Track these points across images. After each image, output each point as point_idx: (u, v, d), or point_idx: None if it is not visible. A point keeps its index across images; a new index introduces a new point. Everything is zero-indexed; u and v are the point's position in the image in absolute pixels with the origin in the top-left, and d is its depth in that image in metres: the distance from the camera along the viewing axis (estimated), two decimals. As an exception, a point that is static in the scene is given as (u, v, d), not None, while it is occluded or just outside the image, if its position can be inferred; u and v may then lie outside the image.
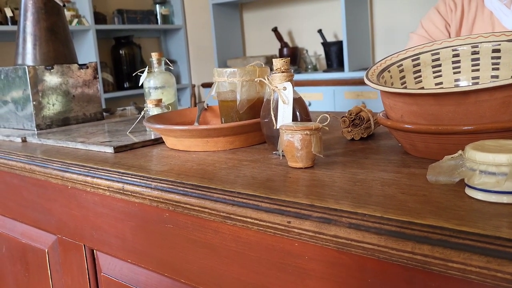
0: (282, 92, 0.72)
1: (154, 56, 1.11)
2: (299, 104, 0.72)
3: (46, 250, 0.92)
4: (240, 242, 0.58)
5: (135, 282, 0.75)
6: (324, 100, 2.79)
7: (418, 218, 0.43)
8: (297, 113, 0.72)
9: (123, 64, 3.51)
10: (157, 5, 3.77)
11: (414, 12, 2.80)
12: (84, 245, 0.82)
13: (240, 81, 0.84)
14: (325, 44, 3.00)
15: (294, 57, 3.20)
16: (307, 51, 3.22)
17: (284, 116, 0.71)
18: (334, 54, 2.95)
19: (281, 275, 0.54)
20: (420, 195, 0.50)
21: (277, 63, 0.72)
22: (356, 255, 0.47)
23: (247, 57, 3.41)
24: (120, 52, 3.53)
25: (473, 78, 0.79)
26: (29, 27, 1.21)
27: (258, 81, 0.82)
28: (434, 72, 0.80)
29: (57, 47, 1.23)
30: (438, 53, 0.80)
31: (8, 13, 2.86)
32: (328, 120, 0.65)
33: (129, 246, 0.73)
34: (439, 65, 0.80)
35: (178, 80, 3.91)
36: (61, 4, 1.18)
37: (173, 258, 0.67)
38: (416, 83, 0.80)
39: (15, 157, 0.91)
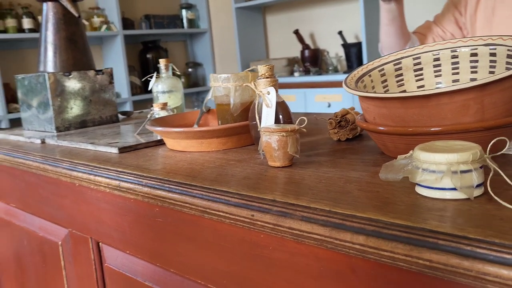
0: (266, 96, 0.77)
1: (162, 62, 1.18)
2: (282, 108, 0.77)
3: (60, 242, 1.00)
4: (216, 234, 0.63)
5: (134, 272, 0.82)
6: (344, 101, 2.82)
7: (360, 211, 0.48)
8: (280, 116, 0.77)
9: (150, 68, 3.63)
10: (183, 10, 3.87)
11: (432, 12, 2.79)
12: (90, 238, 0.90)
13: (233, 86, 0.89)
14: (345, 46, 3.02)
15: (316, 59, 3.24)
16: (328, 52, 3.25)
17: (267, 118, 0.76)
18: (354, 55, 2.97)
19: (251, 264, 0.59)
20: (373, 192, 0.54)
21: (262, 69, 0.78)
22: (309, 245, 0.52)
23: (270, 59, 3.46)
24: (147, 56, 3.65)
25: (453, 81, 0.82)
26: (50, 37, 1.30)
27: (250, 86, 0.88)
28: (416, 76, 0.84)
29: (76, 54, 1.32)
30: (419, 57, 0.83)
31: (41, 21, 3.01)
32: (305, 123, 0.70)
33: (128, 238, 0.80)
34: (421, 69, 0.83)
35: (203, 82, 4.00)
36: (77, 15, 1.26)
37: (163, 249, 0.73)
38: (398, 87, 0.84)
39: (32, 157, 0.99)
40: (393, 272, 0.45)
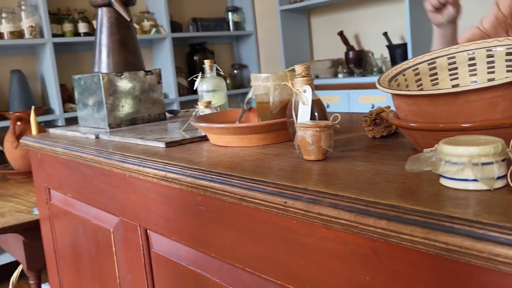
0: (302, 94, 0.81)
1: (207, 63, 1.25)
2: (317, 105, 0.82)
3: (111, 230, 1.08)
4: (253, 221, 0.68)
5: (178, 257, 0.88)
6: (388, 102, 2.80)
7: (384, 199, 0.52)
8: (315, 113, 0.81)
9: (197, 69, 3.74)
10: (230, 13, 3.96)
11: (481, 13, 2.73)
12: (139, 225, 0.97)
13: (273, 84, 0.94)
14: (390, 47, 3.01)
15: (360, 60, 3.24)
16: (372, 54, 3.24)
17: (303, 115, 0.81)
18: (399, 56, 2.96)
19: (284, 249, 0.64)
20: (399, 183, 0.58)
21: (298, 69, 0.82)
22: (336, 230, 0.56)
23: (314, 61, 3.49)
24: (194, 58, 3.77)
25: (489, 79, 0.83)
26: (104, 40, 1.40)
27: (290, 84, 0.92)
28: (450, 75, 0.86)
29: (127, 56, 1.41)
30: (454, 57, 0.85)
31: (96, 25, 3.17)
32: (338, 119, 0.74)
33: (173, 225, 0.86)
34: (456, 68, 0.85)
35: (248, 84, 4.08)
36: (129, 19, 1.35)
37: (205, 235, 0.79)
38: (432, 85, 0.86)
39: (88, 150, 1.08)
40: (412, 254, 0.49)
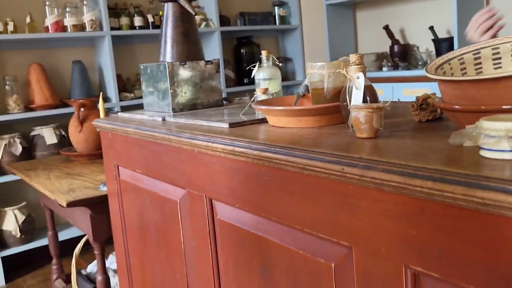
0: (355, 80, 0.91)
1: (264, 53, 1.36)
2: (369, 90, 0.91)
3: (178, 201, 1.21)
4: (313, 187, 0.79)
5: (241, 223, 1.00)
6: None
7: (429, 164, 0.61)
8: (367, 97, 0.90)
9: (243, 62, 3.86)
10: (276, 7, 4.06)
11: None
12: (205, 196, 1.09)
13: (327, 72, 1.04)
14: (436, 41, 3.03)
15: (405, 54, 3.27)
16: (418, 48, 3.27)
17: (356, 99, 0.90)
18: (445, 50, 2.98)
19: (341, 211, 0.74)
20: (444, 154, 0.67)
21: (353, 57, 0.92)
22: (388, 192, 0.66)
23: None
24: (241, 51, 3.89)
25: (531, 69, 0.90)
26: (169, 32, 1.53)
27: (342, 72, 1.02)
28: (494, 64, 0.93)
29: (189, 47, 1.54)
30: (498, 48, 0.92)
31: (150, 19, 3.34)
32: (389, 103, 0.83)
33: (237, 195, 0.98)
34: (499, 58, 0.93)
35: (293, 77, 4.17)
36: (193, 13, 1.47)
37: (267, 202, 0.90)
38: (476, 74, 0.93)
39: (158, 130, 1.21)
40: (453, 210, 0.58)
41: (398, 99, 1.21)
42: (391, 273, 0.68)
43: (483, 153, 0.64)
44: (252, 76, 1.37)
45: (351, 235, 0.73)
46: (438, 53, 3.03)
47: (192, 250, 1.18)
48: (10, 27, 2.86)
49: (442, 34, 3.15)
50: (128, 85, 3.39)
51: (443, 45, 2.99)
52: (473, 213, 0.56)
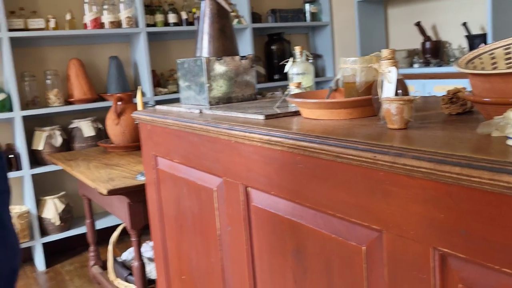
0: (387, 74, 0.95)
1: (297, 49, 1.41)
2: (400, 84, 0.95)
3: (214, 188, 1.27)
4: (346, 174, 0.84)
5: (276, 209, 1.05)
6: (464, 92, 2.83)
7: (457, 151, 0.65)
8: (398, 90, 0.94)
9: (274, 58, 3.91)
10: (307, 4, 4.09)
11: None
12: (241, 184, 1.15)
13: (360, 67, 1.08)
14: (469, 37, 3.01)
15: (437, 50, 3.26)
16: (450, 44, 3.25)
17: (387, 92, 0.94)
18: (478, 47, 2.95)
19: (372, 196, 0.79)
20: (472, 143, 0.71)
21: (385, 52, 0.96)
22: (417, 178, 0.70)
23: (389, 51, 3.54)
24: (272, 47, 3.94)
25: (561, 64, 0.92)
26: (206, 28, 1.60)
27: (374, 67, 1.06)
28: (524, 59, 0.96)
29: (225, 43, 1.60)
30: (528, 43, 0.95)
31: (183, 16, 3.42)
32: (419, 96, 0.87)
33: (273, 182, 1.03)
34: (530, 53, 0.95)
35: (323, 73, 4.20)
36: (229, 10, 1.53)
37: (301, 189, 0.95)
38: (507, 68, 0.96)
39: (196, 121, 1.28)
40: (480, 194, 0.62)
41: (429, 93, 1.23)
42: (420, 255, 0.72)
43: (510, 142, 0.68)
44: (284, 71, 1.42)
45: (382, 219, 0.78)
46: (472, 50, 3.01)
47: (227, 236, 1.24)
48: (52, 24, 2.99)
49: (475, 31, 3.12)
50: (162, 80, 3.49)
51: (476, 41, 2.97)
52: (498, 196, 0.60)
